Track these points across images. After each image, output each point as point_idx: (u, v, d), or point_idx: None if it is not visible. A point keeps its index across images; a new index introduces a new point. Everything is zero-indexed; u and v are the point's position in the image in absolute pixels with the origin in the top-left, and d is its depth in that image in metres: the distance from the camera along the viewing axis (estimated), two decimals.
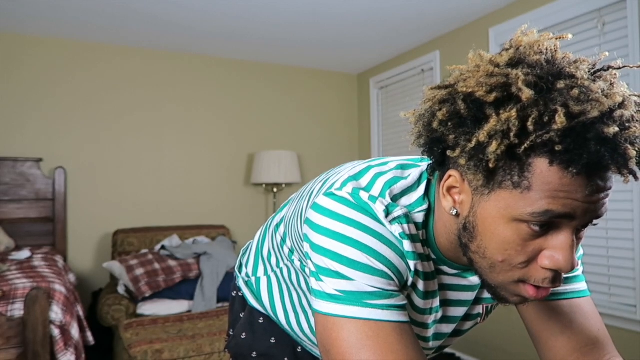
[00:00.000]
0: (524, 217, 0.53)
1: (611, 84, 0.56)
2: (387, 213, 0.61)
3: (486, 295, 0.75)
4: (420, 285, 0.66)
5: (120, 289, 2.91)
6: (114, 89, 3.49)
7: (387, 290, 0.59)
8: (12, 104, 3.19)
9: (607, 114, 0.50)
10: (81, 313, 2.34)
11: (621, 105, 0.52)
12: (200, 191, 3.74)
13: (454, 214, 0.60)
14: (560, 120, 0.48)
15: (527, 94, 0.50)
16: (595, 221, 0.55)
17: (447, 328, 0.75)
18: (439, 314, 0.72)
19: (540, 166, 0.51)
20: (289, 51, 3.71)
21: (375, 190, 0.63)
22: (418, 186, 0.66)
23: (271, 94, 4.03)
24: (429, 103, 0.59)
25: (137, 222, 3.47)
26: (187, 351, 2.29)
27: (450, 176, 0.59)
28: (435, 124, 0.57)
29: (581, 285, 0.75)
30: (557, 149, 0.49)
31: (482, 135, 0.52)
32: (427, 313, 0.71)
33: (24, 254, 2.73)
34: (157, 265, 2.93)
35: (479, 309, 0.76)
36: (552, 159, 0.50)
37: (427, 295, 0.69)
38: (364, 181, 0.65)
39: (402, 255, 0.61)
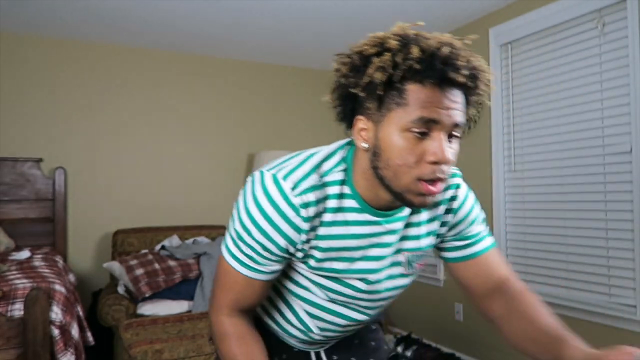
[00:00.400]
0: (407, 125, 0.75)
1: None
2: (294, 187, 0.81)
3: (405, 246, 0.93)
4: (323, 231, 0.86)
5: (120, 289, 2.91)
6: (114, 89, 3.49)
7: (257, 257, 0.85)
8: (12, 104, 3.19)
9: (443, 44, 0.75)
10: (81, 313, 2.34)
11: (451, 40, 0.77)
12: (200, 191, 3.74)
13: (365, 146, 0.81)
14: (415, 51, 0.73)
15: (393, 43, 0.75)
16: (456, 132, 0.78)
17: (376, 276, 0.93)
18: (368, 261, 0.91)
19: (411, 87, 0.75)
20: (289, 51, 3.71)
21: (293, 163, 0.85)
22: (336, 154, 0.88)
23: (271, 94, 4.03)
24: (337, 72, 0.83)
25: (137, 222, 3.47)
26: (187, 351, 2.29)
27: (358, 120, 0.82)
28: (342, 80, 0.81)
29: (486, 242, 0.98)
30: (416, 68, 0.73)
31: (370, 70, 0.75)
32: (350, 261, 0.90)
33: (24, 254, 2.72)
34: (157, 266, 2.93)
35: (400, 257, 0.93)
36: (416, 80, 0.74)
37: (333, 239, 0.87)
38: (291, 162, 0.86)
39: (295, 227, 0.82)
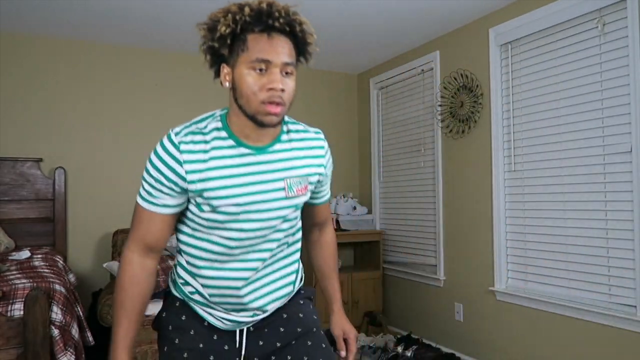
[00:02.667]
0: (250, 64, 1.02)
1: None
2: (177, 133, 1.07)
3: (283, 175, 1.13)
4: (207, 165, 1.07)
5: None
6: (114, 89, 3.49)
7: (153, 190, 1.08)
8: (13, 104, 3.19)
9: (263, 2, 1.02)
10: (81, 313, 2.34)
11: (273, 0, 1.04)
12: None
13: (228, 85, 1.07)
14: (247, 10, 1.01)
15: (234, 7, 1.02)
16: (288, 70, 1.04)
17: (261, 197, 1.12)
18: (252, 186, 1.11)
19: (249, 37, 1.02)
20: None
21: (185, 123, 1.11)
22: (215, 113, 1.14)
23: None
24: (202, 37, 1.07)
25: None
26: None
27: (222, 67, 1.07)
28: (204, 39, 1.06)
29: (324, 199, 1.33)
30: (248, 21, 1.01)
31: (219, 27, 1.02)
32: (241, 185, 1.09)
33: (24, 254, 2.73)
34: None
35: (281, 184, 1.13)
36: (250, 30, 1.02)
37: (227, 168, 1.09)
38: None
39: (176, 160, 1.05)
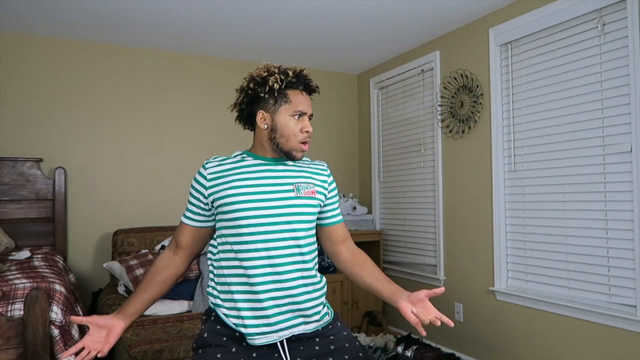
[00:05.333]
0: (292, 113, 1.38)
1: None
2: (206, 162, 1.40)
3: (293, 180, 1.41)
4: (225, 179, 1.37)
5: (120, 289, 2.91)
6: (114, 89, 3.49)
7: (189, 205, 1.43)
8: (13, 104, 3.19)
9: (299, 68, 1.41)
10: (81, 313, 2.34)
11: (302, 66, 1.43)
12: None
13: (265, 127, 1.40)
14: (291, 72, 1.39)
15: (273, 68, 1.39)
16: (310, 117, 1.42)
17: (278, 199, 1.37)
18: (266, 190, 1.37)
19: (291, 92, 1.39)
20: (289, 51, 3.71)
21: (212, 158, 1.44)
22: (240, 151, 1.48)
23: None
24: (244, 88, 1.45)
25: (137, 222, 3.47)
26: (187, 351, 2.29)
27: (259, 112, 1.41)
28: (250, 91, 1.42)
29: (337, 219, 1.53)
30: (293, 81, 1.39)
31: (270, 82, 1.36)
32: (259, 192, 1.36)
33: (24, 254, 2.72)
34: None
35: (290, 187, 1.39)
36: (293, 88, 1.40)
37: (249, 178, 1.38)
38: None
39: (203, 176, 1.38)
